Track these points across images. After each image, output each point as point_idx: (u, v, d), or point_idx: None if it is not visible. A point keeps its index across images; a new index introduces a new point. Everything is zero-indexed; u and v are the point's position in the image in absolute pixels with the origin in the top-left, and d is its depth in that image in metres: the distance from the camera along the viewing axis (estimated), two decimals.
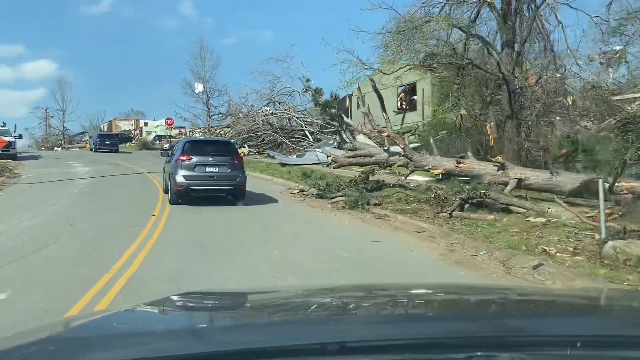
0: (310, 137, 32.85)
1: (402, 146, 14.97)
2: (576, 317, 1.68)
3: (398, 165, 15.57)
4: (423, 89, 31.09)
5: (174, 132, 55.86)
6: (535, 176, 13.48)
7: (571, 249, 8.30)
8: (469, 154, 15.07)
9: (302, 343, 1.25)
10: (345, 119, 33.80)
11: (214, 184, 13.25)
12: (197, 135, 43.08)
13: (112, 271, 6.70)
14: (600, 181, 9.11)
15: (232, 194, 13.81)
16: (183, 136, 48.81)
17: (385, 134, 15.04)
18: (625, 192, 11.75)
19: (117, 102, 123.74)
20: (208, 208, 13.06)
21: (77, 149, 51.49)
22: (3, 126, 33.77)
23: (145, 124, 68.94)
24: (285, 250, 8.38)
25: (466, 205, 12.31)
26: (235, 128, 37.57)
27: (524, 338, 1.32)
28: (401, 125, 30.08)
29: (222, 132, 40.23)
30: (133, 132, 66.30)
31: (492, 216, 11.14)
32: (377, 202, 13.70)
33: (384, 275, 7.02)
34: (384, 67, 19.45)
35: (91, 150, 41.81)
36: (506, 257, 8.02)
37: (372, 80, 15.85)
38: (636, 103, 16.01)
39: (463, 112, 18.99)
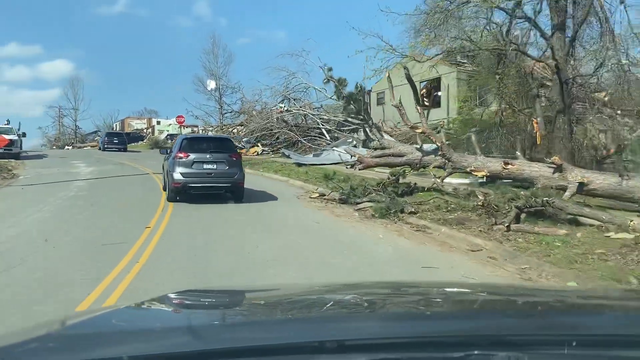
0: (327, 135, 30.70)
1: (439, 144, 12.79)
2: (573, 316, 1.65)
3: (434, 167, 13.38)
4: (448, 85, 28.81)
5: (186, 130, 54.05)
6: (601, 180, 11.21)
7: None
8: (518, 153, 12.85)
9: (301, 341, 1.22)
10: (355, 119, 31.71)
11: (211, 182, 12.90)
12: (211, 134, 41.22)
13: None
14: None
15: (230, 191, 13.37)
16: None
17: (419, 130, 12.89)
18: None
19: (131, 101, 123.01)
20: (215, 219, 10.99)
21: (89, 147, 49.86)
22: (7, 124, 32.01)
23: (158, 123, 67.20)
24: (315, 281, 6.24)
25: (522, 215, 10.14)
26: (248, 126, 35.52)
27: (521, 337, 1.27)
28: (425, 123, 27.81)
29: (234, 130, 38.20)
30: (145, 130, 64.57)
31: (563, 230, 8.91)
32: (412, 209, 11.53)
33: None
34: (417, 53, 17.08)
35: (99, 149, 40.02)
36: None
37: (405, 68, 13.69)
38: None
39: (499, 106, 16.67)
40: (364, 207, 12.71)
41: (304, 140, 30.20)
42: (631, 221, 9.04)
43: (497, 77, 15.61)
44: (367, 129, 14.83)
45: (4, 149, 26.87)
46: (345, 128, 30.72)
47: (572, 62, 13.44)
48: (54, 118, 67.57)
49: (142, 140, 55.06)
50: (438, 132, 26.36)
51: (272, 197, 14.76)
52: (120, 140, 39.20)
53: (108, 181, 18.19)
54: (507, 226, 9.32)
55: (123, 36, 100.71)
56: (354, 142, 28.53)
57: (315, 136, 30.97)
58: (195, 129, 52.17)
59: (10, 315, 4.81)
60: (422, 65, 31.88)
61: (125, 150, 37.63)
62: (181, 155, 12.87)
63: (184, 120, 39.26)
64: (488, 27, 15.17)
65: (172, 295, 2.02)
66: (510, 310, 1.82)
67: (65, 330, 1.45)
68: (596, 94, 16.76)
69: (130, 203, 12.78)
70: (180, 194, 12.75)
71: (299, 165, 23.55)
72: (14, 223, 10.01)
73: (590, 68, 14.63)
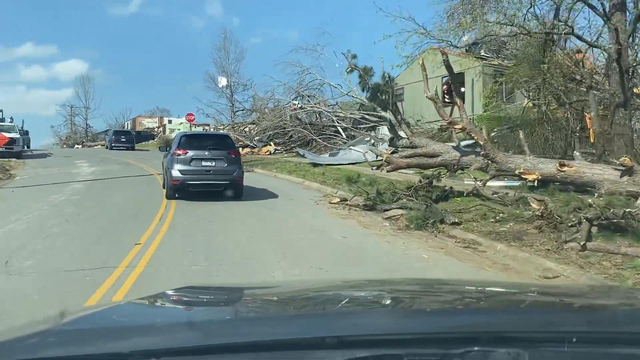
0: (343, 133, 28.76)
1: (481, 142, 10.84)
2: (574, 313, 1.64)
3: (474, 168, 11.43)
4: (472, 80, 26.73)
5: (198, 129, 52.35)
6: None
7: None
8: (577, 153, 10.87)
9: (301, 337, 1.22)
10: (383, 112, 29.73)
11: (210, 179, 12.54)
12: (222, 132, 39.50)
13: None
14: None
15: (229, 188, 12.85)
16: None
17: (458, 127, 10.95)
18: None
19: (143, 100, 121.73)
20: (222, 235, 9.13)
21: (99, 146, 48.35)
22: (11, 121, 30.48)
23: (170, 122, 65.70)
24: None
25: (592, 229, 8.20)
26: (260, 124, 33.65)
27: (521, 334, 1.26)
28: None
29: (246, 129, 36.38)
30: (156, 129, 63.03)
31: None
32: (455, 220, 9.61)
33: None
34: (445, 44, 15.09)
35: (106, 147, 38.38)
36: None
37: (444, 54, 11.72)
38: None
39: (544, 99, 14.62)
40: (395, 215, 10.81)
41: (319, 139, 28.29)
42: None
43: (544, 66, 13.60)
44: (397, 125, 12.89)
45: (5, 148, 25.25)
46: (362, 126, 28.79)
47: (635, 47, 11.48)
48: (65, 117, 66.25)
49: (153, 139, 53.48)
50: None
51: (288, 202, 12.90)
52: (128, 138, 37.48)
53: (107, 183, 16.43)
54: (582, 244, 7.38)
55: (136, 36, 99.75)
56: (372, 141, 26.61)
57: (330, 135, 29.04)
58: (207, 127, 50.48)
59: None
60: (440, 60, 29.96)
61: (132, 149, 35.93)
62: (179, 152, 12.48)
63: (194, 119, 37.48)
64: (532, 10, 13.16)
65: (172, 292, 2.00)
66: (511, 307, 1.79)
67: (65, 326, 1.40)
68: None
69: (124, 211, 10.96)
70: (179, 191, 12.45)
71: (315, 165, 21.67)
72: None
73: None
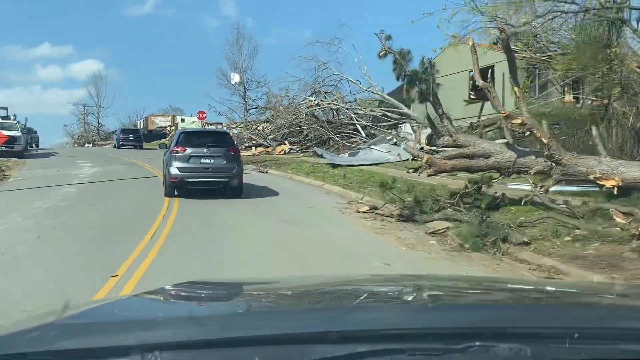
0: (362, 132, 26.68)
1: (546, 140, 8.74)
2: (576, 309, 1.60)
3: (535, 172, 9.33)
4: (504, 73, 24.49)
5: (210, 128, 50.57)
6: None
7: None
8: None
9: (302, 331, 1.19)
10: (406, 109, 27.61)
11: (209, 176, 12.23)
12: (235, 131, 37.54)
13: None
14: None
15: (228, 186, 12.54)
16: None
17: (518, 121, 8.85)
18: None
19: (157, 99, 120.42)
20: (231, 253, 7.15)
21: (110, 146, 46.77)
22: (14, 119, 28.83)
23: (182, 120, 63.85)
24: None
25: None
26: (274, 122, 31.67)
27: (523, 329, 1.24)
28: (479, 117, 23.60)
29: (259, 127, 34.43)
30: (168, 128, 61.35)
31: None
32: (524, 239, 7.54)
33: None
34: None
35: (114, 146, 36.65)
36: None
37: (503, 31, 9.56)
38: None
39: (608, 92, 12.44)
40: (440, 230, 8.77)
41: (337, 137, 26.24)
42: None
43: (610, 51, 11.42)
44: (433, 121, 10.84)
45: (5, 146, 23.55)
46: (383, 124, 26.72)
47: None
48: (77, 116, 64.83)
49: (165, 137, 51.75)
50: (487, 128, 22.26)
51: (308, 211, 10.91)
52: (136, 136, 35.67)
53: (105, 186, 14.55)
54: None
55: (151, 36, 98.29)
56: (394, 140, 24.53)
57: (349, 133, 26.97)
58: (220, 126, 48.65)
59: None
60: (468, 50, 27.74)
61: (141, 147, 34.10)
62: (178, 149, 12.13)
63: (206, 116, 35.58)
64: None
65: (174, 287, 1.97)
66: (513, 302, 1.77)
67: (68, 320, 1.38)
68: None
69: (112, 223, 9.02)
70: (177, 189, 12.18)
71: (334, 166, 19.63)
72: None
73: None
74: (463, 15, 13.14)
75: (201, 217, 9.63)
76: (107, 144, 49.63)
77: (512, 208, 9.87)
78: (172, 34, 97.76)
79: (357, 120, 27.19)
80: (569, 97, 18.36)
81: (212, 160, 12.16)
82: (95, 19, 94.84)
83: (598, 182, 8.64)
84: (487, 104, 25.84)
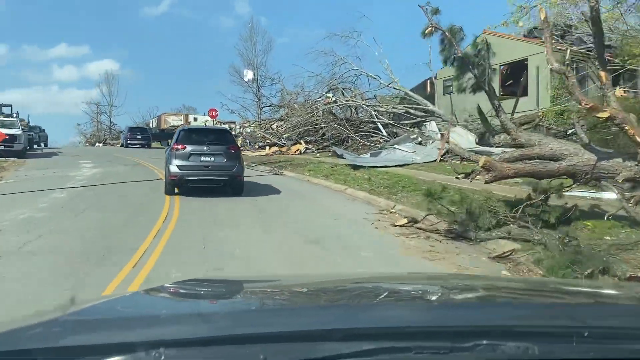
0: (383, 130, 24.67)
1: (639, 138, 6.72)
2: (584, 308, 1.54)
3: (623, 179, 7.29)
4: (538, 67, 22.34)
5: (212, 126, 48.80)
6: None
7: None
8: None
9: (308, 329, 1.17)
10: (431, 106, 25.53)
11: (208, 174, 11.95)
12: (248, 130, 35.73)
13: None
14: None
15: (228, 184, 12.26)
16: (233, 132, 41.65)
17: (604, 114, 6.84)
18: None
19: (171, 98, 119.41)
20: None
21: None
22: (17, 116, 27.26)
23: (195, 119, 62.25)
24: None
25: None
26: (289, 121, 29.76)
27: (531, 328, 1.22)
28: (512, 113, 21.46)
29: (274, 125, 32.54)
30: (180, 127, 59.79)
31: None
32: (628, 271, 5.54)
33: None
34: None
35: (121, 145, 34.99)
36: None
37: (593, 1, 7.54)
38: None
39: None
40: (505, 253, 6.79)
41: (356, 136, 24.26)
42: None
43: None
44: (484, 115, 8.84)
45: (3, 145, 21.91)
46: (405, 122, 24.70)
47: None
48: (90, 115, 63.47)
49: None
50: (536, 126, 20.11)
51: (333, 224, 8.96)
52: (144, 135, 33.98)
53: (101, 190, 12.73)
54: None
55: (165, 36, 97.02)
56: (419, 139, 22.51)
57: (368, 132, 24.97)
58: (233, 125, 46.86)
59: None
60: (501, 41, 25.53)
61: (149, 146, 32.42)
62: (178, 147, 11.89)
63: (217, 115, 33.78)
64: None
65: (177, 284, 1.97)
66: (521, 301, 1.73)
67: (71, 316, 1.37)
68: None
69: (93, 242, 7.13)
70: (177, 186, 11.93)
71: (355, 167, 17.67)
72: None
73: None
74: None
75: (204, 237, 7.71)
76: (118, 143, 48.16)
77: (587, 223, 7.87)
78: (186, 34, 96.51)
79: (378, 118, 25.19)
80: (619, 91, 16.25)
81: (212, 158, 11.84)
82: (111, 19, 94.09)
83: None
84: (521, 100, 23.70)
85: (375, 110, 25.24)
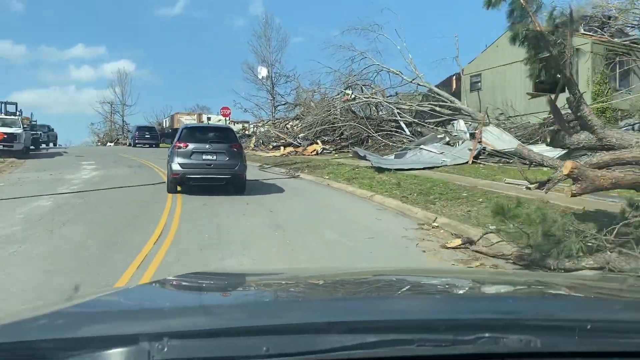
0: (406, 130, 22.76)
1: None
2: (587, 302, 1.56)
3: None
4: (577, 61, 20.18)
5: (236, 127, 47.10)
6: None
7: None
8: None
9: (311, 321, 1.16)
10: (459, 103, 23.53)
11: (211, 173, 11.62)
12: (262, 129, 33.97)
13: None
14: None
15: (230, 183, 11.90)
16: (246, 132, 39.87)
17: None
18: None
19: (185, 98, 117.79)
20: None
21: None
22: (19, 114, 25.76)
23: (209, 119, 60.71)
24: None
25: None
26: (305, 119, 27.94)
27: (533, 321, 1.20)
28: (549, 112, 19.40)
29: (289, 125, 30.74)
30: None
31: None
32: None
33: None
34: None
35: (129, 145, 33.43)
36: None
37: None
38: None
39: None
40: None
41: (378, 135, 22.35)
42: None
43: None
44: (558, 112, 6.94)
45: (2, 145, 20.36)
46: (430, 120, 22.75)
47: None
48: (102, 115, 62.20)
49: None
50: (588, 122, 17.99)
51: (369, 247, 7.06)
52: (153, 135, 32.42)
53: (93, 198, 11.00)
54: None
55: (180, 36, 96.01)
56: (446, 138, 20.56)
57: (390, 131, 23.08)
58: (246, 124, 45.14)
59: None
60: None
61: (157, 146, 30.82)
62: (180, 145, 11.73)
63: (230, 113, 32.05)
64: None
65: (181, 277, 1.96)
66: (523, 294, 1.71)
67: (74, 308, 1.38)
68: None
69: (58, 274, 5.32)
70: (179, 185, 11.78)
71: (379, 170, 15.78)
72: None
73: None
74: None
75: (207, 260, 5.88)
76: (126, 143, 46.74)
77: None
78: (201, 35, 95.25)
79: (401, 116, 23.26)
80: None
81: (215, 157, 11.59)
82: (127, 21, 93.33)
83: None
84: (561, 97, 21.58)
85: (398, 108, 23.31)
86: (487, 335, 1.08)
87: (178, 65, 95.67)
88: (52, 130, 37.41)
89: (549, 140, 7.03)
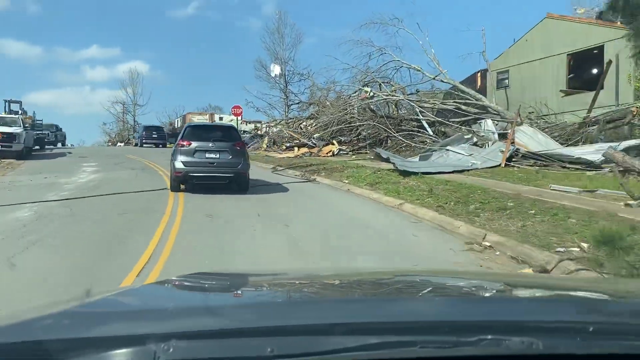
0: (428, 129, 21.07)
1: None
2: (589, 304, 1.51)
3: None
4: (617, 55, 18.36)
5: (248, 127, 45.62)
6: None
7: None
8: None
9: (314, 322, 1.15)
10: (486, 101, 21.78)
11: (213, 171, 11.48)
12: (275, 129, 32.46)
13: None
14: None
15: (233, 181, 11.67)
16: (259, 132, 38.38)
17: None
18: None
19: (198, 98, 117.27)
20: None
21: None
22: (21, 113, 24.45)
23: (221, 119, 59.41)
24: None
25: None
26: (320, 119, 26.34)
27: (535, 323, 1.17)
28: (589, 110, 17.59)
29: (303, 124, 29.17)
30: None
31: None
32: None
33: None
34: None
35: (135, 145, 32.12)
36: None
37: None
38: None
39: None
40: None
41: (399, 135, 20.68)
42: None
43: None
44: None
45: (1, 146, 19.01)
46: (455, 119, 21.05)
47: None
48: (114, 115, 61.19)
49: None
50: (628, 124, 16.24)
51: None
52: (160, 134, 31.11)
53: (80, 208, 9.46)
54: None
55: (193, 37, 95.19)
56: (474, 139, 18.83)
57: (411, 131, 21.41)
58: (259, 124, 43.62)
59: None
60: (568, 26, 21.62)
61: (164, 145, 29.45)
62: (183, 143, 11.51)
63: (242, 112, 30.48)
64: None
65: (185, 277, 1.93)
66: (525, 296, 1.70)
67: (81, 308, 1.37)
68: None
69: None
70: (182, 183, 11.54)
71: (404, 173, 14.14)
72: None
73: None
74: None
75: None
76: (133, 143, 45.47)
77: None
78: (213, 35, 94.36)
79: (423, 115, 21.57)
80: None
81: (218, 155, 11.45)
82: (140, 21, 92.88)
83: None
84: (587, 95, 19.73)
85: (419, 107, 21.61)
86: (489, 337, 1.07)
87: (191, 66, 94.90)
88: (61, 130, 36.16)
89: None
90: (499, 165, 15.77)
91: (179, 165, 11.29)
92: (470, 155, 17.01)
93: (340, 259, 6.06)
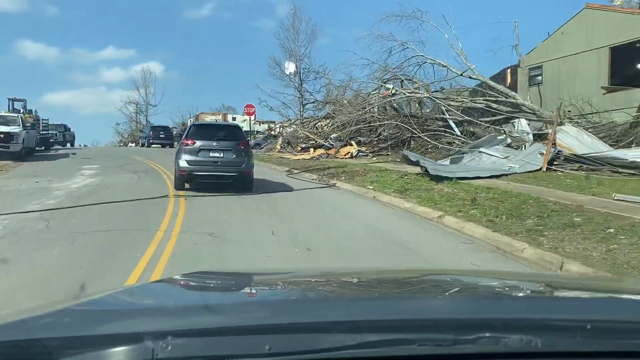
0: (456, 129, 19.30)
1: None
2: (587, 301, 1.52)
3: None
4: None
5: (261, 127, 44.10)
6: None
7: None
8: None
9: (313, 320, 1.15)
10: (520, 99, 19.94)
11: (217, 170, 11.35)
12: (289, 129, 30.92)
13: None
14: None
15: (237, 180, 11.53)
16: (272, 132, 36.86)
17: None
18: None
19: (212, 98, 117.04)
20: None
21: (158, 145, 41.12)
22: (23, 112, 23.09)
23: (234, 119, 58.07)
24: None
25: None
26: (337, 118, 24.66)
27: (534, 321, 1.17)
28: (639, 108, 15.68)
29: (319, 124, 27.51)
30: None
31: None
32: None
33: None
34: None
35: (142, 145, 30.82)
36: None
37: None
38: None
39: None
40: None
41: (424, 136, 18.93)
42: None
43: None
44: None
45: (1, 146, 17.62)
46: (484, 119, 19.26)
47: None
48: (126, 115, 60.22)
49: None
50: None
51: None
52: (167, 134, 29.91)
53: (64, 221, 7.89)
54: None
55: (207, 37, 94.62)
56: (508, 140, 17.02)
57: (437, 130, 19.66)
58: (272, 124, 42.08)
59: None
60: (610, 16, 19.70)
61: (171, 146, 28.15)
62: (188, 142, 11.44)
63: (254, 111, 28.94)
64: None
65: (185, 276, 1.90)
66: (524, 294, 1.68)
67: (80, 307, 1.35)
68: None
69: None
70: (187, 182, 11.47)
71: (438, 178, 12.44)
72: None
73: None
74: None
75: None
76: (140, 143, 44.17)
77: None
78: (228, 36, 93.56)
79: (449, 114, 19.80)
80: None
81: (222, 154, 11.42)
82: (156, 22, 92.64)
83: None
84: (631, 93, 17.81)
85: (446, 105, 19.84)
86: (487, 334, 1.06)
87: (205, 66, 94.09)
88: (69, 129, 34.89)
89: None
90: (540, 169, 14.00)
91: (183, 164, 11.22)
92: (506, 157, 15.25)
93: None
